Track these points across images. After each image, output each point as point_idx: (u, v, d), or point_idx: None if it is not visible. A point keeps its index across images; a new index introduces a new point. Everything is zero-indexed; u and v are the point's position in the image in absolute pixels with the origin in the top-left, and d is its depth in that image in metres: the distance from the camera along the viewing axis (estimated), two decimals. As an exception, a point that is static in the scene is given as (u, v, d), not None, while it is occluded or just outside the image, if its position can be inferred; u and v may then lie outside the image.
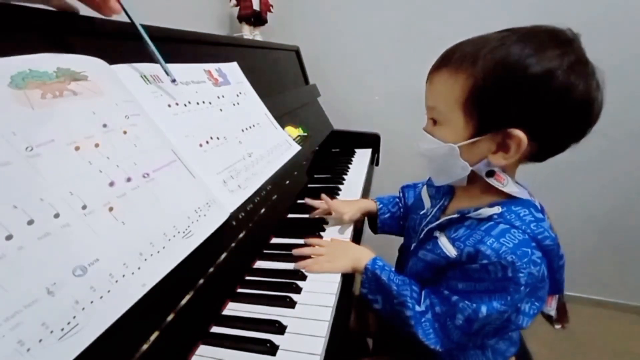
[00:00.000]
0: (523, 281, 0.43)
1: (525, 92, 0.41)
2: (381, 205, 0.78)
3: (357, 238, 0.70)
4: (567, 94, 0.41)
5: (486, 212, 0.48)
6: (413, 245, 0.59)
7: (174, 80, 0.55)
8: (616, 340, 1.34)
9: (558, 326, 0.57)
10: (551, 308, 0.55)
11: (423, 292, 0.53)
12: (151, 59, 0.50)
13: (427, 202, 0.63)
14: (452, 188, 0.58)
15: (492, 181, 0.47)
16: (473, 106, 0.44)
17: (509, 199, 0.48)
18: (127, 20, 0.46)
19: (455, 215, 0.51)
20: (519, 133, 0.42)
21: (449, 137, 0.48)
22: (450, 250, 0.49)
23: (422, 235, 0.56)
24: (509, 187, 0.47)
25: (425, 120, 0.53)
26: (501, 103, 0.42)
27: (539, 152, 0.46)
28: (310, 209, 0.73)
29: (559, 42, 0.42)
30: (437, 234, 0.53)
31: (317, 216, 0.72)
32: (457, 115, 0.46)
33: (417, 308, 0.51)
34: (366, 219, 0.80)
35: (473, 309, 0.45)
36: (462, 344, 0.49)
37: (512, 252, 0.43)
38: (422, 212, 0.63)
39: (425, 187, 0.67)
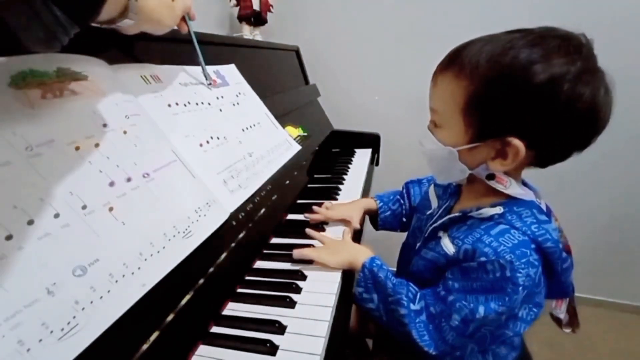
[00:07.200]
0: (521, 281, 0.42)
1: (528, 103, 0.40)
2: (381, 203, 0.79)
3: (357, 239, 0.69)
4: (572, 104, 0.40)
5: (487, 212, 0.48)
6: (418, 244, 0.59)
7: (210, 84, 0.61)
8: (616, 340, 1.34)
9: (568, 330, 0.56)
10: (560, 311, 0.54)
11: (419, 293, 0.52)
12: (149, 61, 0.50)
13: (434, 202, 0.64)
14: (459, 189, 0.59)
15: (493, 184, 0.48)
16: (473, 112, 0.44)
17: (511, 200, 0.48)
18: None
19: (457, 214, 0.51)
20: (517, 143, 0.42)
21: (448, 140, 0.48)
22: (449, 248, 0.50)
23: (426, 234, 0.57)
24: (512, 189, 0.47)
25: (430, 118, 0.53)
26: (502, 112, 0.42)
27: (540, 159, 0.46)
28: (309, 210, 0.73)
29: (568, 48, 0.40)
30: (440, 233, 0.53)
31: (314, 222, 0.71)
32: (457, 120, 0.46)
33: (412, 307, 0.50)
34: (367, 216, 0.80)
35: (470, 309, 0.45)
36: (456, 347, 0.48)
37: (510, 252, 0.43)
38: (428, 212, 0.63)
39: (432, 186, 0.67)
